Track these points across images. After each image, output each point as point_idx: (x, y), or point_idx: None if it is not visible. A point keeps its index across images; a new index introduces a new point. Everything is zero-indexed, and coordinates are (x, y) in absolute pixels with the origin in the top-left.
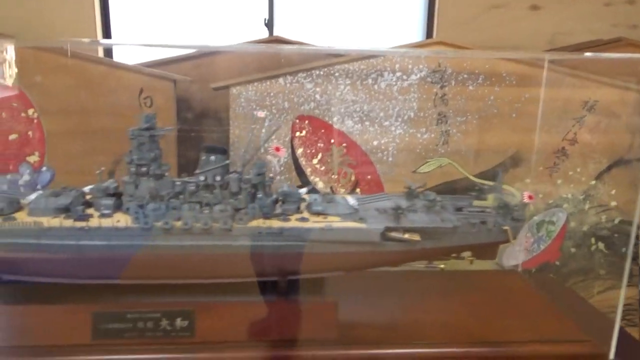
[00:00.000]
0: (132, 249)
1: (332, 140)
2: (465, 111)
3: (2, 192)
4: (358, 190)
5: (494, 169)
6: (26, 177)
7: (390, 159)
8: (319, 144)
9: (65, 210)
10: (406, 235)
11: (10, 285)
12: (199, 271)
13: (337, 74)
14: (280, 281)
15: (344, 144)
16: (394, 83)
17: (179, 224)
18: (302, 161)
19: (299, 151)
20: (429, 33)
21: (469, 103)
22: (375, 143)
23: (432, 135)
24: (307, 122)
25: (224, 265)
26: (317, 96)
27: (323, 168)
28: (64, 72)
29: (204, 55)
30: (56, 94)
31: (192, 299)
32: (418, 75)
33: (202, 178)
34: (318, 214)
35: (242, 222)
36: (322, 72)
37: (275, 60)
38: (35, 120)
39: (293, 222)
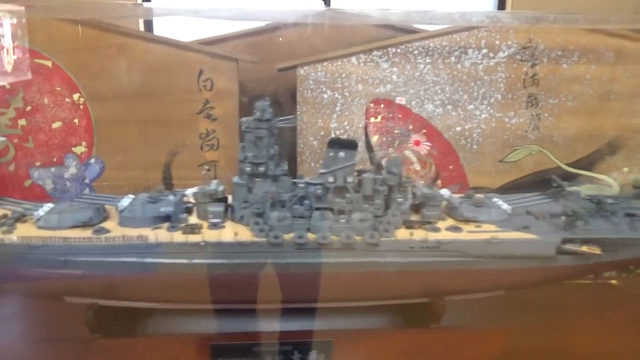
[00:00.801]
0: (257, 268)
1: (411, 127)
2: (559, 92)
3: (85, 196)
4: (439, 181)
5: (589, 156)
6: (72, 170)
7: (474, 146)
8: (395, 131)
9: (165, 219)
10: (584, 248)
11: (107, 313)
12: (337, 293)
13: (416, 52)
14: (435, 304)
15: (424, 131)
16: (479, 61)
17: (313, 237)
18: (378, 150)
19: (374, 139)
20: (501, 4)
21: (562, 83)
22: (458, 129)
23: (522, 120)
24: (382, 106)
25: (368, 285)
26: (394, 77)
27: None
28: (113, 51)
29: (261, 32)
30: (105, 76)
31: (329, 327)
32: (506, 53)
33: (330, 179)
34: (467, 221)
35: (387, 234)
36: (399, 50)
37: (345, 37)
38: (81, 107)
39: (446, 233)
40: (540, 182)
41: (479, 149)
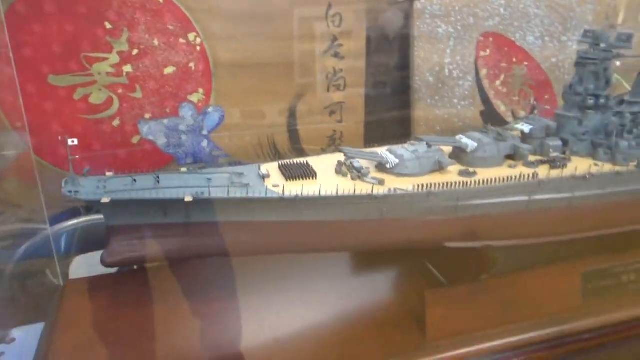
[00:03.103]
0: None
1: (514, 59)
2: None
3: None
4: (536, 112)
5: None
6: (189, 121)
7: (565, 76)
8: (501, 64)
9: (508, 157)
10: None
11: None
12: None
13: None
14: None
15: (525, 63)
16: None
17: None
18: (486, 84)
19: (483, 72)
20: None
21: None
22: (553, 60)
23: None
24: (491, 39)
25: None
26: (502, 10)
27: (505, 90)
28: None
29: None
30: (223, 13)
31: None
32: None
33: None
34: None
35: None
36: None
37: None
38: (198, 48)
39: None
40: None
41: (569, 79)
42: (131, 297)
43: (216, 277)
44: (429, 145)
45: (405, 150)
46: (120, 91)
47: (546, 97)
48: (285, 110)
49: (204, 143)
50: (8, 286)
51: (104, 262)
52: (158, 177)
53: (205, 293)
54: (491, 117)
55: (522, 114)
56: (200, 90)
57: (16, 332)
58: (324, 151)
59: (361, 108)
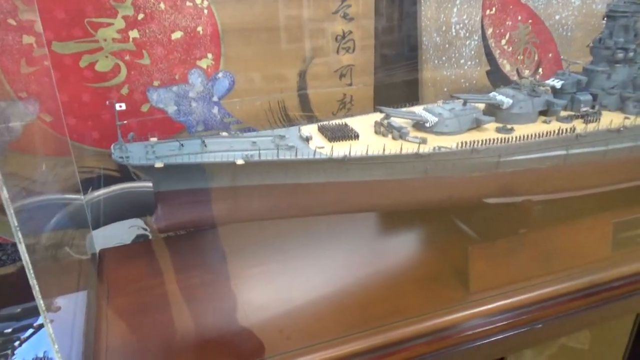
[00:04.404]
0: None
1: (519, 17)
2: None
3: (460, 96)
4: (540, 70)
5: None
6: (198, 88)
7: (568, 33)
8: (507, 23)
9: (542, 113)
10: None
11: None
12: None
13: None
14: None
15: (530, 21)
16: None
17: None
18: (492, 43)
19: (489, 32)
20: None
21: None
22: (557, 17)
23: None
24: None
25: None
26: None
27: (510, 49)
28: None
29: None
30: None
31: None
32: None
33: None
34: None
35: None
36: None
37: None
38: (205, 11)
39: None
40: None
41: (571, 36)
42: (169, 263)
43: (256, 240)
44: (464, 103)
45: (442, 108)
46: (127, 58)
47: (550, 55)
48: (295, 75)
49: (215, 110)
50: (43, 256)
51: (152, 229)
52: (204, 141)
53: (246, 256)
54: (497, 77)
55: (526, 72)
56: (209, 56)
57: (60, 301)
58: (334, 115)
59: (370, 71)
